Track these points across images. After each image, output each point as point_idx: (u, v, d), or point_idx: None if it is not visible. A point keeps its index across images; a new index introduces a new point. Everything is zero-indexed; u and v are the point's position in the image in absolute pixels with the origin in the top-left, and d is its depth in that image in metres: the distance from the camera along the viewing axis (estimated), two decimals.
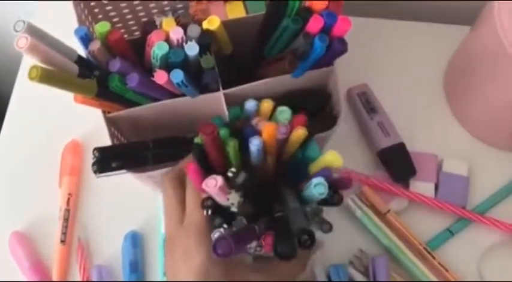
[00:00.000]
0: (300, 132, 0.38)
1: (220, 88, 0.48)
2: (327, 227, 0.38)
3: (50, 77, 0.38)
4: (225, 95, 0.48)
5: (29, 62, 0.64)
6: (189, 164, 0.37)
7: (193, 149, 0.39)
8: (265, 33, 0.48)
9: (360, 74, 0.61)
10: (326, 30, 0.44)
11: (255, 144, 0.37)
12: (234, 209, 0.36)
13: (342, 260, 0.53)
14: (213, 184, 0.35)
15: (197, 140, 0.40)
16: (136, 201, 0.56)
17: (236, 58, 0.51)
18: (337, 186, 0.39)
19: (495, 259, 0.53)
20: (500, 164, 0.58)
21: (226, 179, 0.36)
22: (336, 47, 0.44)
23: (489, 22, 0.50)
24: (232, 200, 0.36)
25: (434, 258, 0.52)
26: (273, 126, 0.37)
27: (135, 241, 0.54)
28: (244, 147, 0.39)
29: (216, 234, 0.36)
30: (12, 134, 0.61)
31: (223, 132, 0.40)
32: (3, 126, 0.62)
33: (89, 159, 0.58)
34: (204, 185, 0.35)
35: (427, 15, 0.66)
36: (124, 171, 0.47)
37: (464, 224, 0.55)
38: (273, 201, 0.40)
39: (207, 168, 0.37)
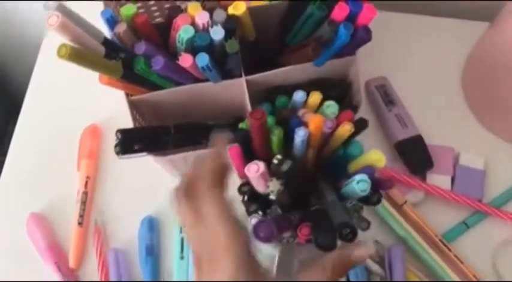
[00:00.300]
0: (346, 128, 0.38)
1: (243, 74, 0.48)
2: (365, 225, 0.38)
3: (78, 55, 0.39)
4: (247, 82, 0.49)
5: (48, 46, 0.65)
6: (232, 148, 0.36)
7: (238, 134, 0.39)
8: (289, 20, 0.49)
9: (379, 67, 0.61)
10: (351, 18, 0.44)
11: (300, 135, 0.37)
12: (272, 196, 0.37)
13: None
14: (255, 169, 0.35)
15: (242, 125, 0.40)
16: (154, 187, 0.56)
17: (259, 45, 0.51)
18: (378, 186, 0.39)
19: (510, 253, 0.53)
20: None
21: (268, 167, 0.36)
22: (361, 35, 0.44)
23: (510, 20, 0.51)
24: (272, 188, 0.36)
25: (450, 250, 0.52)
26: (321, 119, 0.37)
27: (152, 226, 0.55)
28: (286, 138, 0.39)
29: (253, 219, 0.37)
30: (31, 117, 0.62)
31: (269, 120, 0.40)
32: (22, 110, 0.62)
33: (107, 143, 0.60)
34: (246, 170, 0.35)
35: (447, 11, 0.66)
36: (145, 154, 0.48)
37: (480, 217, 0.55)
38: (309, 194, 0.40)
39: (248, 155, 0.38)
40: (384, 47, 0.63)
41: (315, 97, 0.41)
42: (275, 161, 0.35)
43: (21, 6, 0.79)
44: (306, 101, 0.41)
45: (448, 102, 0.61)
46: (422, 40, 0.65)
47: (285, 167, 0.35)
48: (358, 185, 0.35)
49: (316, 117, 0.37)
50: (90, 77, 0.56)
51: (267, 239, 0.32)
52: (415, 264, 0.53)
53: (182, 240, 0.54)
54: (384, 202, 0.54)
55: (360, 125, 0.40)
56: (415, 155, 0.56)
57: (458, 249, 0.53)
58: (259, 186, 0.36)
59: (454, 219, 0.55)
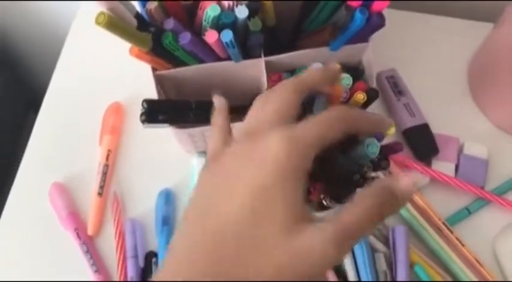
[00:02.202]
0: (359, 97, 0.41)
1: (262, 55, 0.52)
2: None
3: (114, 24, 0.42)
4: (266, 63, 0.52)
5: (77, 29, 0.68)
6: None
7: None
8: (308, 7, 0.52)
9: (390, 60, 0.64)
10: (366, 4, 0.47)
11: (319, 101, 0.39)
12: None
13: None
14: None
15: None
16: (171, 162, 0.59)
17: (278, 31, 0.54)
18: (387, 151, 0.41)
19: (509, 238, 0.55)
20: None
21: None
22: (375, 21, 0.47)
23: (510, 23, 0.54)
24: None
25: (452, 232, 0.55)
26: (341, 88, 0.40)
27: (168, 198, 0.57)
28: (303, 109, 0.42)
29: None
30: (58, 95, 0.65)
31: None
32: (48, 90, 0.65)
33: (129, 120, 0.63)
34: None
35: (456, 12, 0.70)
36: (167, 125, 0.50)
37: (482, 204, 0.57)
38: (323, 161, 0.43)
39: None
40: (397, 42, 0.66)
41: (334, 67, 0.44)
42: None
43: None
44: None
45: (454, 96, 0.64)
46: (433, 38, 0.68)
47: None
48: (368, 148, 0.37)
49: (336, 86, 0.40)
50: (113, 61, 0.60)
51: None
52: (418, 245, 0.55)
53: None
54: None
55: (372, 95, 0.42)
56: (421, 142, 0.59)
57: (459, 233, 0.55)
58: None
59: (456, 205, 0.58)
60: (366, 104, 0.42)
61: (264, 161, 0.27)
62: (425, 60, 0.67)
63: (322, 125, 0.29)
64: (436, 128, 0.60)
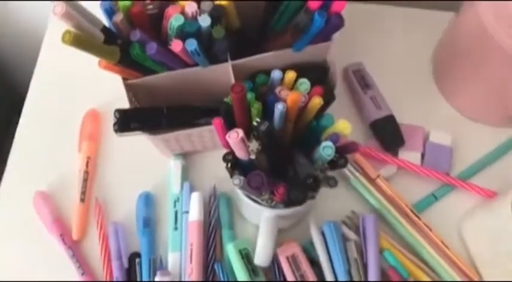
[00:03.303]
0: (316, 101, 0.43)
1: (229, 59, 0.53)
2: (333, 182, 0.44)
3: (80, 40, 0.44)
4: (233, 66, 0.54)
5: (50, 39, 0.70)
6: (215, 119, 0.41)
7: (222, 106, 0.44)
8: (271, 7, 0.54)
9: (356, 54, 0.67)
10: (325, 6, 0.49)
11: (279, 108, 0.41)
12: (252, 156, 0.41)
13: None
14: (235, 136, 0.40)
15: (226, 99, 0.45)
16: (149, 165, 0.62)
17: (244, 33, 0.56)
18: (344, 151, 0.44)
19: (474, 221, 0.58)
20: (481, 137, 0.63)
21: (247, 135, 0.41)
22: (334, 22, 0.49)
23: (472, 10, 0.56)
24: (252, 147, 0.41)
25: (419, 218, 0.58)
26: (299, 95, 0.42)
27: (148, 201, 0.60)
28: (264, 113, 0.44)
29: (236, 180, 0.41)
30: (36, 103, 0.67)
31: (249, 96, 0.45)
32: (27, 97, 0.67)
33: (106, 127, 0.64)
34: (227, 137, 0.40)
35: (420, 3, 0.72)
36: (140, 132, 0.53)
37: (447, 189, 0.60)
38: (287, 165, 0.45)
39: (231, 125, 0.42)
40: (362, 36, 0.69)
41: (291, 75, 0.46)
42: (255, 123, 0.40)
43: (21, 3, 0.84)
44: (282, 79, 0.46)
45: (419, 86, 0.67)
46: (398, 29, 0.71)
47: (263, 127, 0.40)
48: (324, 150, 0.40)
49: (295, 92, 0.42)
50: (89, 68, 0.61)
51: (257, 189, 0.37)
52: (388, 232, 0.58)
53: (176, 213, 0.59)
54: (359, 176, 0.59)
55: (328, 98, 0.45)
56: (388, 133, 0.61)
57: (427, 218, 0.58)
58: (240, 152, 0.41)
59: (423, 192, 0.60)
60: (323, 107, 0.44)
61: None
62: (391, 52, 0.69)
63: None
64: (402, 118, 0.62)
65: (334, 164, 0.43)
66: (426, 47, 0.69)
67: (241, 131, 0.39)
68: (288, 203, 0.45)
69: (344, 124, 0.42)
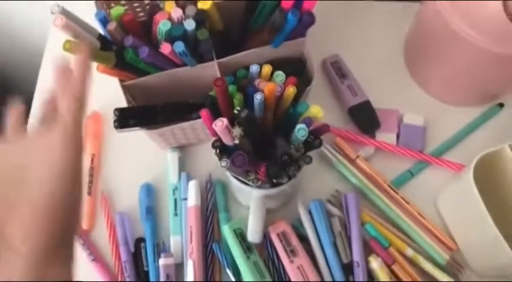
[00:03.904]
0: (291, 90, 0.48)
1: (214, 58, 0.59)
2: (308, 160, 0.49)
3: (78, 48, 0.49)
4: (219, 64, 0.59)
5: (52, 46, 0.75)
6: (202, 110, 0.46)
7: (207, 99, 0.49)
8: (251, 6, 0.59)
9: (333, 47, 0.72)
10: (297, 5, 0.55)
11: (258, 98, 0.46)
12: (236, 140, 0.47)
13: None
14: (221, 124, 0.45)
15: (211, 93, 0.51)
16: (148, 159, 0.67)
17: (228, 33, 0.62)
18: (317, 132, 0.49)
19: (446, 192, 0.63)
20: (451, 117, 0.69)
21: (231, 123, 0.46)
22: (306, 19, 0.55)
23: (433, 2, 0.61)
24: (235, 133, 0.46)
25: (397, 193, 0.63)
26: (274, 85, 0.47)
27: (149, 191, 0.65)
28: (246, 103, 0.49)
29: (223, 163, 0.47)
30: None
31: (231, 88, 0.50)
32: (33, 101, 0.72)
33: (108, 126, 0.70)
34: (213, 125, 0.45)
35: None
36: (138, 128, 0.58)
37: (422, 166, 0.65)
38: (270, 147, 0.51)
39: (217, 115, 0.47)
40: (338, 30, 0.74)
41: (267, 69, 0.51)
42: (235, 111, 0.45)
43: (22, 16, 0.90)
44: (260, 72, 0.52)
45: (392, 72, 0.72)
46: (370, 21, 0.76)
47: (243, 114, 0.45)
48: (299, 132, 0.45)
49: (271, 84, 0.48)
50: (93, 73, 0.67)
51: (240, 167, 0.42)
52: (369, 207, 0.63)
53: (175, 200, 0.64)
54: (341, 158, 0.65)
55: (301, 87, 0.50)
56: (365, 118, 0.66)
57: (405, 193, 0.63)
58: (226, 138, 0.47)
59: (400, 169, 0.65)
60: (297, 95, 0.50)
61: None
62: (366, 44, 0.74)
63: None
64: (378, 104, 0.67)
65: (310, 144, 0.48)
66: (399, 38, 0.75)
67: (226, 120, 0.45)
68: (272, 183, 0.50)
69: (316, 109, 0.47)
